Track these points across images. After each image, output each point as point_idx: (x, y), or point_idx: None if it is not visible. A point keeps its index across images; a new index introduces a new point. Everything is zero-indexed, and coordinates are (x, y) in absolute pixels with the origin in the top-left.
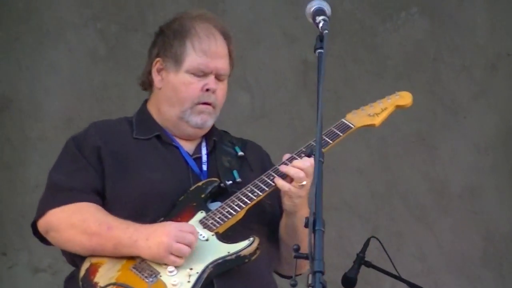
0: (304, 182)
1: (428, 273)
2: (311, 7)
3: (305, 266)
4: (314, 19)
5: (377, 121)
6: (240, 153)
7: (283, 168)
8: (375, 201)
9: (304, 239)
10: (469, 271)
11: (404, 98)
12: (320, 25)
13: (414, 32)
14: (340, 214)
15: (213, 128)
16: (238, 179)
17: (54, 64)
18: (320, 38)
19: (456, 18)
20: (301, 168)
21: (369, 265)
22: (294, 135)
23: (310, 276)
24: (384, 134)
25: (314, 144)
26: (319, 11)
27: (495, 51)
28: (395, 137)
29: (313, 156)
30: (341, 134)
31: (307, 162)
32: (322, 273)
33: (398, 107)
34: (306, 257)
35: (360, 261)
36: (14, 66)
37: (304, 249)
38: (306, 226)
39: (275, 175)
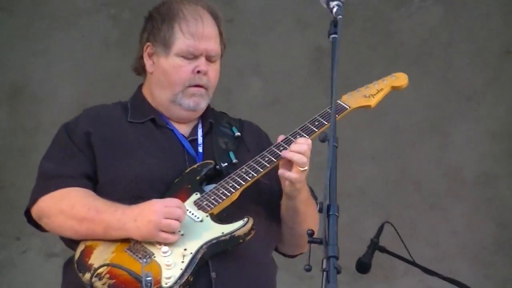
0: (307, 167)
1: (442, 259)
2: None
3: (305, 245)
4: (328, 5)
5: (373, 102)
6: (237, 133)
7: (287, 154)
8: (388, 188)
9: (304, 219)
10: (483, 257)
11: (400, 79)
12: (334, 10)
13: (428, 18)
14: (354, 201)
15: (209, 109)
16: (234, 160)
17: (67, 50)
18: (334, 23)
19: (470, 4)
20: (300, 152)
21: (383, 250)
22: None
23: (325, 261)
24: (398, 120)
25: (309, 125)
26: None
27: (509, 37)
28: (408, 124)
29: (327, 141)
30: (336, 115)
31: (304, 146)
32: (337, 258)
33: (393, 88)
34: (320, 242)
35: (374, 246)
36: (27, 51)
37: (308, 228)
38: (320, 211)
39: (271, 157)
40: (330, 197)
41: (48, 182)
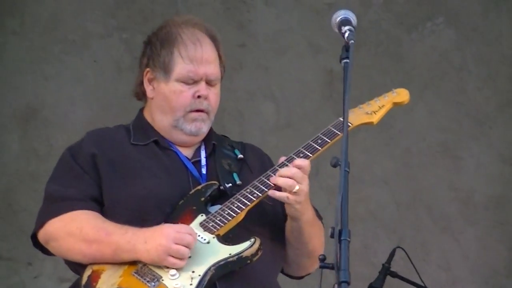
0: (297, 188)
1: (454, 284)
2: (337, 17)
3: (311, 266)
4: (340, 29)
5: (375, 119)
6: (240, 155)
7: (272, 180)
8: (400, 212)
9: (310, 240)
10: (495, 281)
11: (401, 95)
12: (346, 35)
13: (440, 42)
14: (365, 225)
15: (211, 132)
16: (238, 182)
17: (79, 74)
18: (346, 48)
19: (482, 28)
20: (288, 175)
21: (394, 275)
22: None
23: (336, 286)
24: (409, 144)
25: (312, 143)
26: (345, 21)
27: None
28: (420, 147)
29: (338, 166)
30: (339, 133)
31: (293, 169)
32: (348, 283)
33: (395, 104)
34: (331, 267)
35: (386, 271)
36: (39, 76)
37: (313, 248)
38: (332, 236)
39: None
40: (342, 222)
41: (55, 205)
